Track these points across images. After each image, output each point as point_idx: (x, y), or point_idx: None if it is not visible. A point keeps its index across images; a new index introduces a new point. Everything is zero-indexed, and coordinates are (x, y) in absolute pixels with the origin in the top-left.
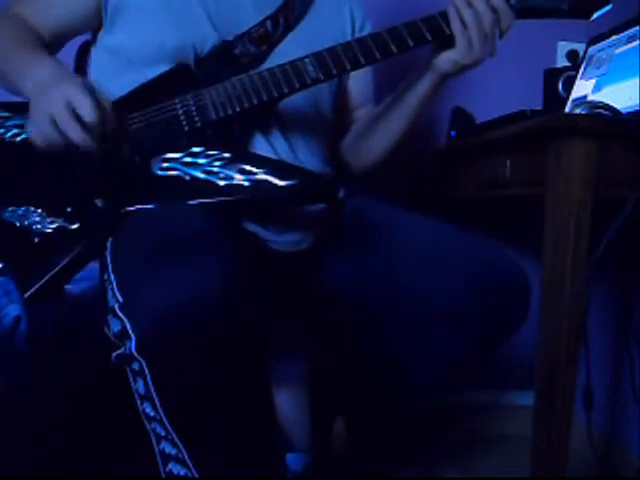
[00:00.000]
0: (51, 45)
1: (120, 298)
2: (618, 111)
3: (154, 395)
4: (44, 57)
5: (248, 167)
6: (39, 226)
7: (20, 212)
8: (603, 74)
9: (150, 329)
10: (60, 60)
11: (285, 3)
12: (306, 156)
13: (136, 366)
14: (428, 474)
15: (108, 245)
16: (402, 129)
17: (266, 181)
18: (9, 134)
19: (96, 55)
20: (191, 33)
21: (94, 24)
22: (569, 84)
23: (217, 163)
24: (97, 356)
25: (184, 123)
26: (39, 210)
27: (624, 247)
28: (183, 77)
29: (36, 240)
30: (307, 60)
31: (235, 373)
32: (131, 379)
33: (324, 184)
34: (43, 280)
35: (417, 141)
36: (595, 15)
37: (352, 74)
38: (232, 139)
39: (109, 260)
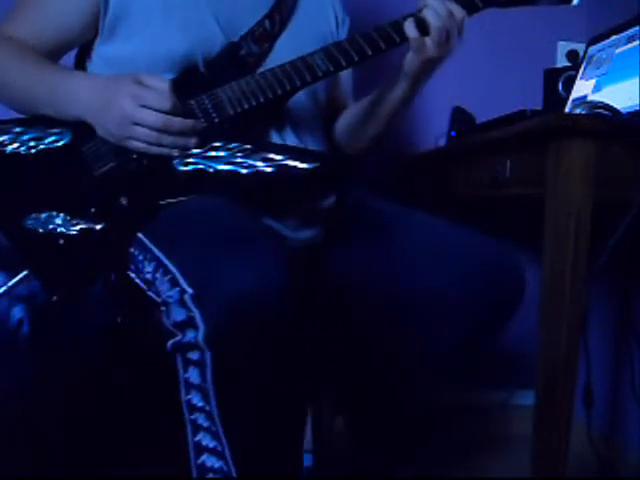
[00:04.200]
0: (51, 59)
1: (189, 289)
2: (618, 111)
3: (210, 386)
4: (72, 75)
5: (270, 155)
6: (63, 229)
7: (43, 218)
8: (603, 74)
9: (222, 321)
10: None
11: (278, 1)
12: (313, 145)
13: (195, 355)
14: (432, 474)
15: (143, 238)
16: (382, 125)
17: (289, 165)
18: (24, 147)
19: (94, 68)
20: (200, 37)
21: (90, 35)
22: (569, 84)
23: (239, 154)
24: (98, 357)
25: (202, 120)
26: (62, 214)
27: (624, 247)
28: (193, 80)
29: (61, 242)
30: (316, 55)
31: (288, 372)
32: (180, 368)
33: (341, 165)
34: (70, 282)
35: (417, 141)
36: (575, 1)
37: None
38: (248, 133)
39: (158, 252)
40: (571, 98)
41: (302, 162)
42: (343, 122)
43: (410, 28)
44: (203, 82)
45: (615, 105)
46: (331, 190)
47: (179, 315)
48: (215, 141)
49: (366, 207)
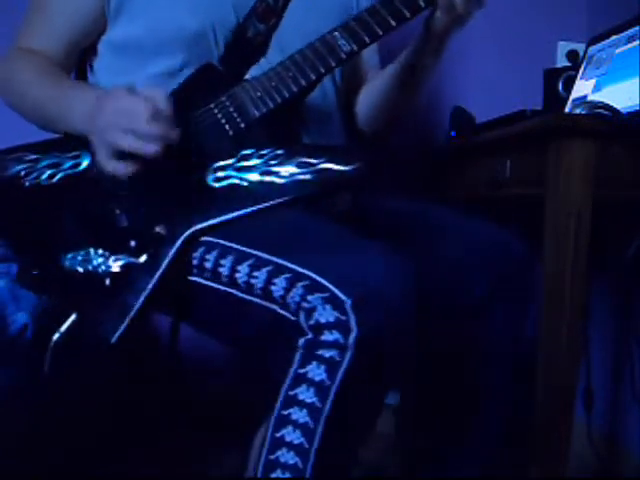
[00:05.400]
0: (68, 62)
1: (344, 297)
2: (618, 111)
3: (336, 384)
4: (75, 90)
5: (306, 159)
6: (103, 267)
7: (80, 257)
8: (603, 74)
9: (376, 326)
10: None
11: None
12: (335, 133)
13: (329, 353)
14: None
15: (236, 245)
16: (411, 95)
17: (329, 170)
18: (44, 176)
19: (100, 58)
20: (210, 15)
21: (102, 26)
22: (569, 84)
23: (273, 162)
24: (97, 360)
25: (227, 127)
26: (100, 250)
27: (624, 247)
28: (211, 78)
29: (107, 282)
30: (336, 34)
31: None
32: (296, 363)
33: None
34: (126, 321)
35: (417, 141)
36: None
37: None
38: (276, 133)
39: (276, 259)
40: (571, 98)
41: (343, 164)
42: (365, 100)
43: None
44: (221, 78)
45: (615, 105)
46: (376, 181)
47: (325, 317)
48: (245, 148)
49: (378, 206)
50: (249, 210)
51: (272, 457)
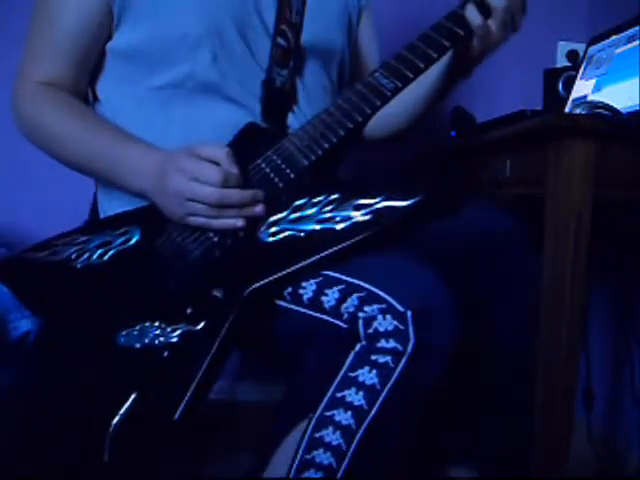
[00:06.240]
0: (79, 85)
1: (401, 307)
2: (618, 111)
3: (388, 388)
4: (131, 146)
5: (363, 201)
6: (162, 339)
7: (135, 332)
8: (603, 74)
9: (433, 338)
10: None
11: (279, 11)
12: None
13: (382, 359)
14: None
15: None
16: (430, 104)
17: (388, 207)
18: (95, 256)
19: (105, 69)
20: (213, 17)
21: (107, 31)
22: (569, 84)
23: (328, 208)
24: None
25: (276, 180)
26: (156, 323)
27: (624, 247)
28: (255, 136)
29: (165, 354)
30: (377, 75)
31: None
32: (346, 366)
33: (452, 187)
34: (189, 394)
35: (417, 141)
36: None
37: (362, 40)
38: (326, 178)
39: (347, 277)
40: (571, 98)
41: (402, 199)
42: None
43: (473, 14)
44: (264, 135)
45: (615, 105)
46: (443, 210)
47: (385, 326)
48: (297, 199)
49: None
50: (308, 262)
51: (308, 456)
